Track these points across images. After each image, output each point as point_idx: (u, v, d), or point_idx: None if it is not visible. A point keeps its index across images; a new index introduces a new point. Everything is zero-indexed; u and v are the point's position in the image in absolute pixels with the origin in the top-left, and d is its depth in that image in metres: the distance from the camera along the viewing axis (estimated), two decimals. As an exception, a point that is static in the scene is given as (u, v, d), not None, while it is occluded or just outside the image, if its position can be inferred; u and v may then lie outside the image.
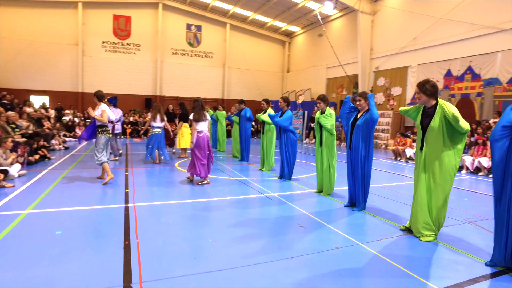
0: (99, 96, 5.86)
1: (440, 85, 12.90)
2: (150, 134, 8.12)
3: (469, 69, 11.90)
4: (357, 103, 4.63)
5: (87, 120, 15.45)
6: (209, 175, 6.11)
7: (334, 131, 5.23)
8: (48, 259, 2.82)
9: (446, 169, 3.43)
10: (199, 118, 5.82)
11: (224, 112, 11.50)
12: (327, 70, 19.88)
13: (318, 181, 5.49)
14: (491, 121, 10.00)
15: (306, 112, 16.94)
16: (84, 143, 11.44)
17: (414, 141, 10.40)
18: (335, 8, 17.48)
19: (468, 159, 8.12)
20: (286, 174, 6.50)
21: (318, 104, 5.31)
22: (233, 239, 3.41)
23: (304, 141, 16.69)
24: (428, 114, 3.53)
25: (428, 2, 13.29)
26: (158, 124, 8.02)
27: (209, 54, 21.70)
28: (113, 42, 18.98)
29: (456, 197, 5.60)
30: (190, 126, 9.10)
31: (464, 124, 3.29)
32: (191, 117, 6.13)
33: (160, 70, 20.05)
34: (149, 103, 19.13)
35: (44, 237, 3.28)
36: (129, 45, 19.35)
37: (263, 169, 7.54)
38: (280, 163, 6.60)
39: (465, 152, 8.44)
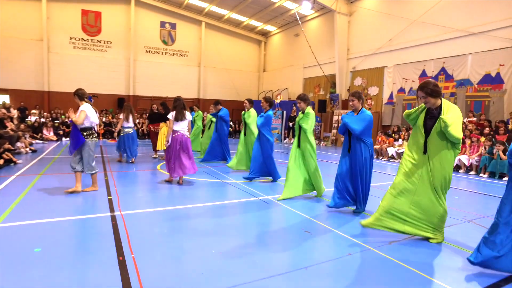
0: (80, 95, 5.29)
1: (416, 85, 13.30)
2: (122, 135, 8.03)
3: (443, 70, 12.34)
4: (350, 103, 4.52)
5: (55, 121, 14.44)
6: (187, 177, 6.07)
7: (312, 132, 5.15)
8: (27, 283, 2.42)
9: (448, 174, 3.34)
10: (180, 117, 5.74)
11: (201, 113, 11.07)
12: (304, 69, 19.97)
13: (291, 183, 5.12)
14: (465, 120, 10.38)
15: (284, 112, 16.88)
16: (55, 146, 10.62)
17: (395, 140, 10.60)
18: (313, 8, 17.61)
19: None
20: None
21: (298, 104, 5.14)
22: (238, 248, 3.15)
23: (284, 141, 16.62)
24: (432, 115, 3.37)
25: (403, 5, 13.66)
26: (130, 125, 7.71)
27: (184, 52, 21.11)
28: (82, 39, 17.92)
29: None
30: None
31: (455, 131, 3.10)
32: (170, 116, 5.99)
33: (133, 69, 19.21)
34: (122, 102, 18.20)
35: (20, 256, 2.84)
36: (100, 42, 18.36)
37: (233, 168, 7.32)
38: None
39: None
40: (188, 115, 6.03)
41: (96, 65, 18.26)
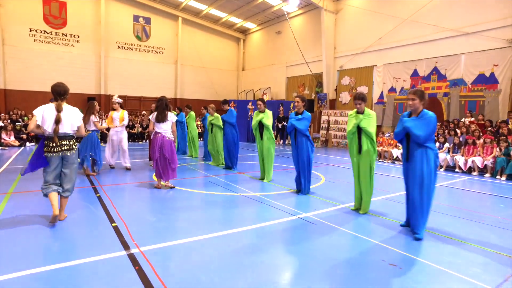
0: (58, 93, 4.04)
1: (408, 85, 13.18)
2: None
3: (435, 70, 12.27)
4: (410, 103, 3.90)
5: (16, 123, 12.64)
6: (170, 181, 5.75)
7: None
8: None
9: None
10: (160, 118, 5.43)
11: (193, 114, 10.18)
12: (287, 68, 19.42)
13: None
14: (466, 121, 10.28)
15: (271, 112, 16.13)
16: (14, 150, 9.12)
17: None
18: (299, 6, 17.09)
19: (460, 159, 8.07)
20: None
21: (359, 105, 4.46)
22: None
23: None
24: None
25: (393, 3, 13.48)
26: (91, 128, 6.75)
27: (160, 49, 19.73)
28: (45, 31, 16.01)
29: (491, 203, 5.24)
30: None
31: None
32: (151, 117, 5.59)
33: (105, 66, 17.55)
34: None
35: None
36: (66, 35, 16.53)
37: (265, 180, 6.49)
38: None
39: (455, 151, 8.41)
40: (171, 116, 5.53)
41: (62, 61, 16.42)
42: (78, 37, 16.87)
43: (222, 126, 7.96)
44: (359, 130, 4.41)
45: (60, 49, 16.40)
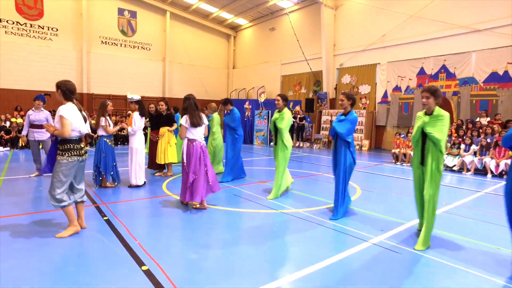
0: (67, 92, 3.34)
1: (414, 84, 12.73)
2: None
3: (443, 68, 11.85)
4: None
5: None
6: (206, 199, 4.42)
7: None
8: None
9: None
10: (196, 122, 4.41)
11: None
12: (281, 66, 18.66)
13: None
14: (483, 120, 9.86)
15: (269, 112, 15.35)
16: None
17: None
18: (297, 1, 16.37)
19: (491, 162, 7.55)
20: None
21: (425, 100, 3.69)
22: None
23: (271, 144, 15.04)
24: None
25: (398, -1, 12.98)
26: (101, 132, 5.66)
27: (147, 45, 18.46)
28: (18, 23, 14.43)
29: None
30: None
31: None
32: (183, 121, 4.44)
33: (87, 62, 16.12)
34: (73, 103, 15.16)
35: None
36: (42, 28, 14.99)
37: (268, 198, 5.30)
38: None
39: (484, 154, 7.91)
40: (204, 118, 4.59)
41: (38, 56, 14.89)
42: (57, 30, 15.36)
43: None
44: (424, 135, 3.62)
45: (36, 43, 14.86)
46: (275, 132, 5.30)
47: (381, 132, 14.00)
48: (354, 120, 4.26)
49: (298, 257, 3.10)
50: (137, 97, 5.69)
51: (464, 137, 8.33)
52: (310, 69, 15.90)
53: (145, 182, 5.91)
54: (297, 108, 15.10)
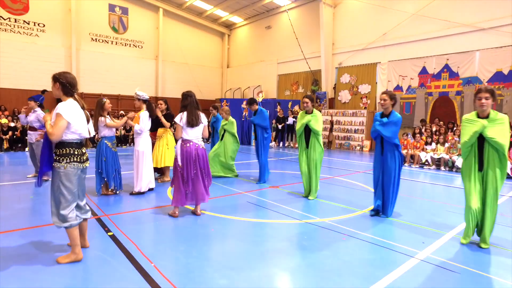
0: (68, 86, 2.82)
1: (416, 83, 12.52)
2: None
3: (446, 67, 11.67)
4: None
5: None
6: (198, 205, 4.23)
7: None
8: None
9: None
10: (193, 122, 4.02)
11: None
12: (278, 65, 18.28)
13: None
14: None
15: (268, 111, 14.90)
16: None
17: (426, 143, 9.43)
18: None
19: None
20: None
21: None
22: None
23: (271, 144, 14.63)
24: None
25: (399, -3, 12.75)
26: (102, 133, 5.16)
27: (139, 43, 17.80)
28: (1, 17, 13.59)
29: None
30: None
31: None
32: (177, 119, 4.05)
33: (76, 60, 15.38)
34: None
35: None
36: (28, 23, 14.20)
37: (310, 198, 5.24)
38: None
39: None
40: (203, 118, 4.19)
41: (24, 53, 14.09)
42: (44, 26, 14.59)
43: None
44: (481, 139, 3.29)
45: (21, 39, 14.05)
46: (306, 135, 5.16)
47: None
48: (398, 122, 4.08)
49: (344, 279, 2.69)
50: (144, 95, 5.22)
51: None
52: (309, 68, 15.56)
53: (152, 189, 5.43)
54: (296, 108, 14.75)
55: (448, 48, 11.59)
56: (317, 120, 5.06)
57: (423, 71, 12.30)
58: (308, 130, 5.14)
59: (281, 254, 3.12)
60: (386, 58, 13.38)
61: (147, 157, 5.25)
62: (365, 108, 13.97)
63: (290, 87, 17.66)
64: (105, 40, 16.46)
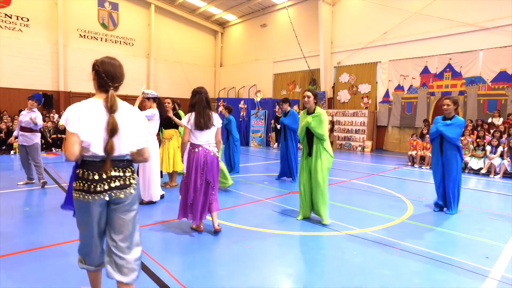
0: (103, 76, 1.91)
1: (417, 83, 12.38)
2: None
3: (449, 67, 11.57)
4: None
5: None
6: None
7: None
8: None
9: None
10: (201, 124, 3.38)
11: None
12: (273, 64, 17.91)
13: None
14: (496, 121, 9.59)
15: (266, 112, 14.54)
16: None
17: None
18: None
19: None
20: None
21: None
22: None
23: (274, 146, 14.16)
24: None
25: (400, -5, 12.58)
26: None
27: (130, 40, 17.08)
28: (-18, 11, 12.72)
29: None
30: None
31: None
32: (184, 121, 3.47)
33: (64, 57, 14.55)
34: (49, 100, 13.59)
35: None
36: (10, 17, 13.30)
37: (324, 222, 4.07)
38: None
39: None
40: (216, 118, 3.55)
41: (6, 48, 13.20)
42: (28, 20, 13.71)
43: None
44: None
45: (3, 34, 13.15)
46: (308, 139, 4.06)
47: (382, 133, 13.59)
48: (462, 124, 4.30)
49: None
50: (152, 93, 4.71)
51: (491, 138, 7.93)
52: (308, 67, 15.24)
53: (162, 196, 4.94)
54: (295, 107, 14.41)
55: (451, 47, 11.48)
56: (320, 121, 3.94)
57: (425, 70, 12.17)
58: (310, 134, 4.02)
59: (341, 278, 2.71)
60: (387, 58, 13.21)
61: (155, 163, 4.74)
62: (366, 108, 13.76)
63: (286, 87, 17.31)
64: (94, 37, 15.69)
